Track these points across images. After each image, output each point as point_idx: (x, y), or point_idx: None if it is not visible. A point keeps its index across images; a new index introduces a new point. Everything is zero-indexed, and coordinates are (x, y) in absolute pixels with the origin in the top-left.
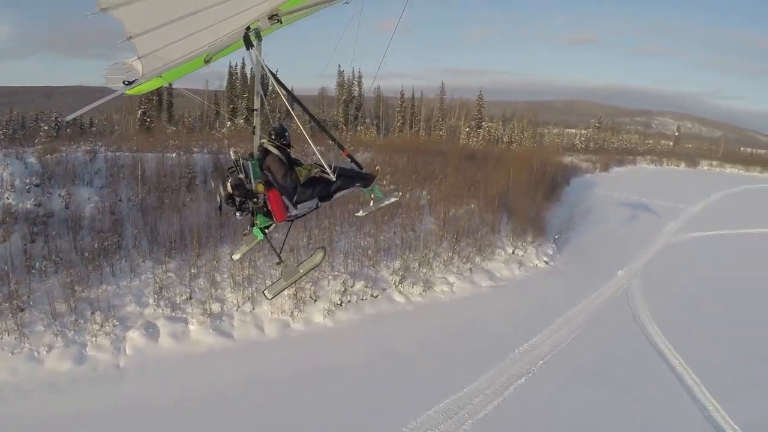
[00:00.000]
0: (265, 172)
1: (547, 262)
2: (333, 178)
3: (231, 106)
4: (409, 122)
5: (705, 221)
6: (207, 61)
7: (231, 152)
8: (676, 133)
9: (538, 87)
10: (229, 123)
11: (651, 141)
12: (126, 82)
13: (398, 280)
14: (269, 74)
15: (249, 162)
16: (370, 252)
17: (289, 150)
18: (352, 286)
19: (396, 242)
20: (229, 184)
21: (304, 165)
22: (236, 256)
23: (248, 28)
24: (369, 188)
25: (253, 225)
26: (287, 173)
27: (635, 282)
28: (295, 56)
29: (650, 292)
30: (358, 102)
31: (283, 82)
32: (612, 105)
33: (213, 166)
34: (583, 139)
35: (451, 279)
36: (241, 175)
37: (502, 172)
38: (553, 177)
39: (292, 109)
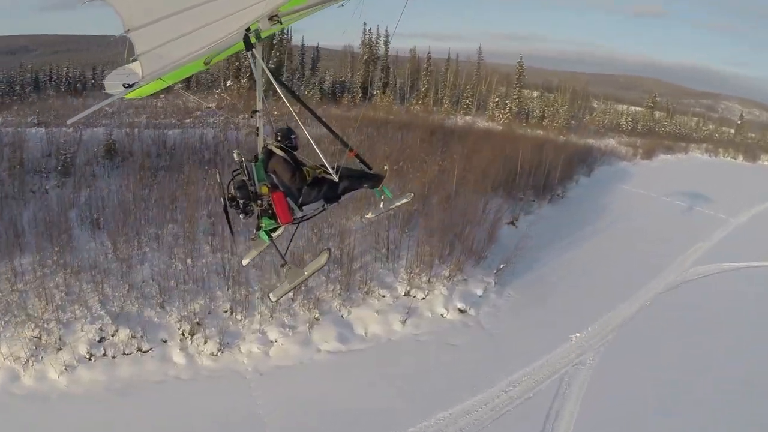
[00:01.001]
0: (270, 174)
1: (463, 310)
2: (336, 179)
3: (236, 63)
4: (434, 88)
5: (747, 242)
6: (207, 63)
7: (234, 154)
8: (739, 121)
9: (600, 59)
10: (229, 82)
11: (712, 126)
12: (126, 85)
13: (188, 329)
14: (270, 76)
15: (252, 164)
16: (176, 282)
17: (294, 153)
18: (113, 334)
19: (217, 270)
20: (232, 186)
21: (309, 166)
22: (245, 261)
23: (248, 29)
24: (378, 189)
25: (259, 228)
26: (294, 174)
27: (590, 359)
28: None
29: (601, 385)
30: (384, 63)
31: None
32: (679, 85)
33: (104, 143)
34: (630, 119)
35: (273, 335)
36: (245, 177)
37: (470, 160)
38: (548, 167)
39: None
